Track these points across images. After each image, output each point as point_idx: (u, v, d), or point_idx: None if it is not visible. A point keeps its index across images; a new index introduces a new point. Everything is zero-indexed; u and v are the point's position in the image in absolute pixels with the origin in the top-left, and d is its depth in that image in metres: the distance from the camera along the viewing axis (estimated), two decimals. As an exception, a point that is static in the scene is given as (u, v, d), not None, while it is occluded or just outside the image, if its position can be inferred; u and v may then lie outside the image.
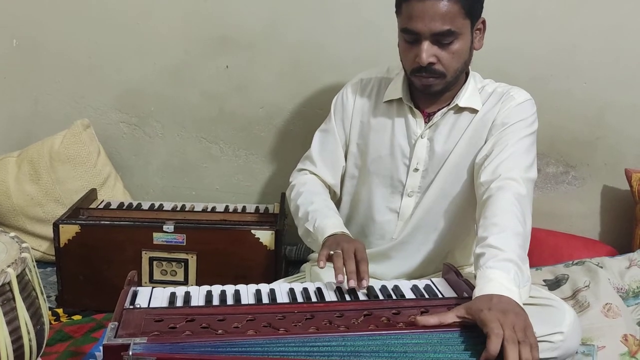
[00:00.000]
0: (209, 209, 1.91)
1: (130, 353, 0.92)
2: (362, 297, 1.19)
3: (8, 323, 1.12)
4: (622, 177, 1.95)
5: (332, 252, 1.24)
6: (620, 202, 2.01)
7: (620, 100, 1.94)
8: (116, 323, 1.00)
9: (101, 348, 0.96)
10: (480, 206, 1.28)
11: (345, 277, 1.19)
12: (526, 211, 1.24)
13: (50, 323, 1.51)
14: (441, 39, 1.28)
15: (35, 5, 2.04)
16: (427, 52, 1.29)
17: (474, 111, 1.40)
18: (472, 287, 1.11)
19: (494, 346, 0.93)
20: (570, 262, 1.77)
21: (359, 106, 1.49)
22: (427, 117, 1.42)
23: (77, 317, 1.69)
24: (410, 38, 1.31)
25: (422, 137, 1.42)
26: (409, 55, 1.33)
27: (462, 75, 1.39)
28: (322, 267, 1.24)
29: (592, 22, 1.89)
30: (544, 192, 2.04)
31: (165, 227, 1.69)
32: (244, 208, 1.93)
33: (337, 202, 1.57)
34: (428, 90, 1.36)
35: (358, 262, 1.22)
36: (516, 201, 1.22)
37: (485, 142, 1.37)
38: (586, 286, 1.64)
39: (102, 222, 1.73)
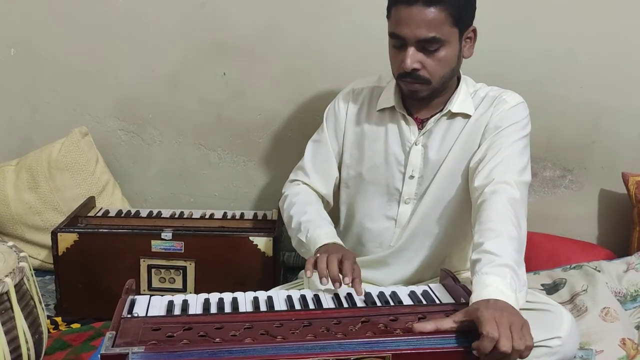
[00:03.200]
0: (207, 216, 1.91)
1: (129, 362, 0.92)
2: (359, 303, 1.20)
3: (6, 332, 1.12)
4: (619, 181, 1.96)
5: (318, 255, 1.25)
6: (617, 206, 2.01)
7: (616, 104, 1.94)
8: (114, 332, 1.00)
9: (99, 357, 0.96)
10: (475, 211, 1.28)
11: (329, 280, 1.20)
12: (520, 215, 1.24)
13: (49, 332, 1.51)
14: (427, 46, 1.29)
15: (33, 14, 2.05)
16: (412, 58, 1.29)
17: (466, 116, 1.40)
18: (470, 293, 1.11)
19: (485, 347, 0.95)
20: (568, 266, 1.78)
21: (352, 116, 1.50)
22: (421, 124, 1.43)
23: (75, 326, 1.68)
24: (397, 43, 1.32)
25: (416, 144, 1.42)
26: (396, 60, 1.34)
27: (453, 81, 1.40)
28: (309, 277, 1.24)
29: (588, 27, 1.89)
30: (541, 196, 2.04)
31: (163, 235, 1.69)
32: (242, 215, 1.93)
33: (332, 212, 1.56)
34: (414, 96, 1.37)
35: (344, 273, 1.21)
36: (510, 205, 1.22)
37: (479, 147, 1.37)
38: (584, 290, 1.64)
39: (101, 230, 1.74)
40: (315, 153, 1.54)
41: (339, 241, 1.36)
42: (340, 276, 1.21)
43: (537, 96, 1.90)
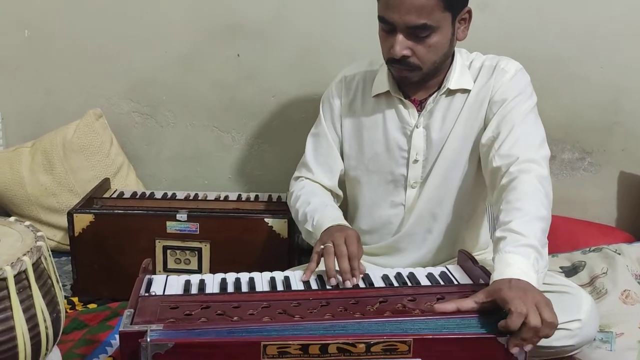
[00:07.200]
0: (221, 198, 1.91)
1: (148, 339, 0.92)
2: (377, 284, 1.19)
3: (25, 311, 1.12)
4: (639, 163, 1.92)
5: (322, 247, 1.22)
6: (637, 188, 1.98)
7: (637, 85, 1.91)
8: (132, 310, 1.01)
9: (117, 336, 0.96)
10: (500, 191, 1.23)
11: (340, 277, 1.17)
12: (549, 193, 1.21)
13: (66, 311, 1.52)
14: (417, 33, 1.23)
15: (46, -5, 2.04)
16: (401, 45, 1.24)
17: (466, 91, 1.35)
18: (488, 274, 1.10)
19: (514, 323, 0.93)
20: (587, 248, 1.75)
21: (347, 105, 1.45)
22: (419, 105, 1.38)
23: (92, 306, 1.70)
24: (386, 27, 1.26)
25: (417, 127, 1.37)
26: (386, 44, 1.29)
27: (447, 59, 1.34)
28: (305, 278, 1.20)
29: (608, 5, 1.85)
30: (559, 179, 2.01)
31: (178, 216, 1.69)
32: (256, 197, 1.93)
33: (342, 204, 1.54)
34: (405, 81, 1.33)
35: (349, 259, 1.19)
36: (540, 185, 1.19)
37: (486, 121, 1.32)
38: (604, 273, 1.62)
39: (116, 211, 1.74)
40: (316, 147, 1.50)
41: (344, 222, 1.33)
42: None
43: (557, 77, 1.87)
